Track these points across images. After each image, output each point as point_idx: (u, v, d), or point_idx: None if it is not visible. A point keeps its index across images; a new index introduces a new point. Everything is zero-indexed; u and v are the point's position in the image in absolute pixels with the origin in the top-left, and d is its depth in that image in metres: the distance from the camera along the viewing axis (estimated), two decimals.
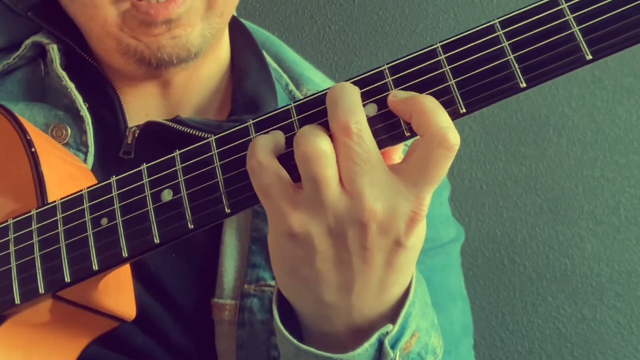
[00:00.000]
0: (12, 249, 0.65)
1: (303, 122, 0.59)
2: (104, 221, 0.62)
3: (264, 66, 0.90)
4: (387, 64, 0.58)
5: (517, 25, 0.56)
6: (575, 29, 0.54)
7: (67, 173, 0.72)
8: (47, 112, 0.83)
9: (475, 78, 0.56)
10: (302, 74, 0.93)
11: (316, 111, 0.59)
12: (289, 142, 0.58)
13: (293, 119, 0.60)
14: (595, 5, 0.54)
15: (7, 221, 0.65)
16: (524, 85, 0.55)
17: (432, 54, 0.57)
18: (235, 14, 0.90)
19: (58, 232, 0.63)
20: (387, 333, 0.61)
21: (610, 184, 1.36)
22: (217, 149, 0.61)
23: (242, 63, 0.89)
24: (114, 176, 0.64)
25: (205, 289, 0.80)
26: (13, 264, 0.64)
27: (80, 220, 0.63)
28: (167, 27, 0.78)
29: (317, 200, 0.56)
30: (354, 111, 0.56)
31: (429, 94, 0.57)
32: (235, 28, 0.92)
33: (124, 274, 0.69)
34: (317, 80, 0.93)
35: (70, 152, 0.78)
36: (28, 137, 0.68)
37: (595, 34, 0.54)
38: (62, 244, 0.63)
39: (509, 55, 0.56)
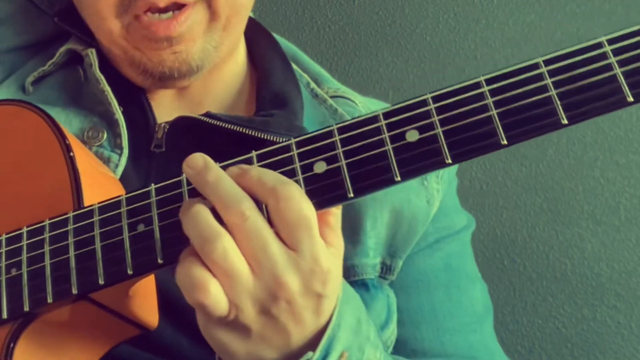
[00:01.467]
0: (46, 248, 0.65)
1: (345, 143, 0.60)
2: (141, 227, 0.63)
3: (287, 65, 0.92)
4: (430, 93, 0.60)
5: (561, 64, 0.57)
6: (618, 71, 0.56)
7: (99, 181, 0.73)
8: (82, 118, 0.84)
9: (517, 111, 0.57)
10: (320, 73, 0.96)
11: (361, 132, 0.60)
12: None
13: (335, 139, 0.61)
14: (638, 50, 0.56)
15: (43, 221, 0.66)
16: (566, 122, 0.56)
17: (476, 86, 0.59)
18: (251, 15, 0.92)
19: (94, 235, 0.64)
20: None
21: (610, 184, 1.36)
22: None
23: (266, 62, 0.91)
24: (152, 184, 0.64)
25: None
26: (47, 263, 0.64)
27: (116, 224, 0.64)
28: (169, 43, 0.79)
29: (238, 300, 0.59)
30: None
31: (471, 123, 0.58)
32: (257, 29, 0.94)
33: (149, 282, 0.70)
34: (334, 80, 0.96)
35: (100, 162, 0.80)
36: (67, 142, 0.70)
37: (638, 78, 0.55)
38: (98, 246, 0.63)
39: (552, 91, 0.57)
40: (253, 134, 0.82)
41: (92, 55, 0.85)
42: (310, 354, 0.62)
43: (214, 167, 0.60)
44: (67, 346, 0.68)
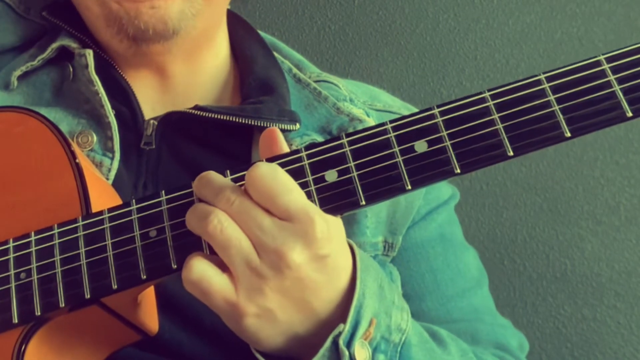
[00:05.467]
0: (57, 253, 0.65)
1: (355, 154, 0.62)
2: (153, 233, 0.64)
3: (268, 52, 0.93)
4: (437, 106, 0.62)
5: (562, 81, 0.60)
6: (616, 88, 0.59)
7: (102, 187, 0.74)
8: (70, 120, 0.83)
9: (523, 124, 0.60)
10: (301, 60, 0.96)
11: (371, 143, 0.62)
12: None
13: (345, 150, 0.62)
14: (636, 68, 0.59)
15: (52, 227, 0.66)
16: (569, 134, 0.59)
17: (481, 100, 0.61)
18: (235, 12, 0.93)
19: (105, 239, 0.64)
20: (340, 333, 0.63)
21: (610, 184, 1.36)
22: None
23: (248, 50, 0.92)
24: (163, 191, 0.65)
25: None
26: (58, 269, 0.65)
27: (129, 229, 0.64)
28: None
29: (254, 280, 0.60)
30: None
31: (478, 136, 0.60)
32: (236, 22, 0.95)
33: (149, 290, 0.71)
34: (315, 67, 0.97)
35: (96, 170, 0.80)
36: (72, 149, 0.70)
37: (635, 95, 0.58)
38: (110, 252, 0.64)
39: (555, 106, 0.59)
40: (245, 122, 0.82)
41: (89, 57, 0.84)
42: (341, 326, 0.63)
43: (209, 172, 0.63)
44: (74, 349, 0.68)
